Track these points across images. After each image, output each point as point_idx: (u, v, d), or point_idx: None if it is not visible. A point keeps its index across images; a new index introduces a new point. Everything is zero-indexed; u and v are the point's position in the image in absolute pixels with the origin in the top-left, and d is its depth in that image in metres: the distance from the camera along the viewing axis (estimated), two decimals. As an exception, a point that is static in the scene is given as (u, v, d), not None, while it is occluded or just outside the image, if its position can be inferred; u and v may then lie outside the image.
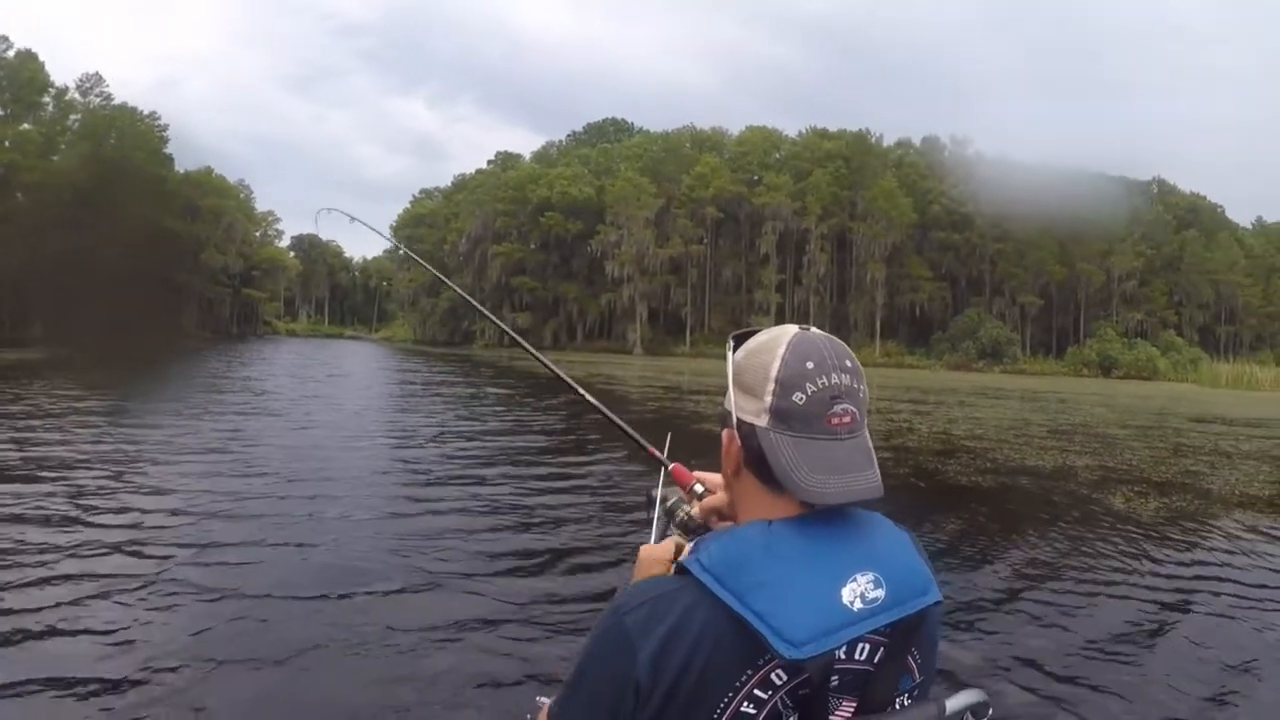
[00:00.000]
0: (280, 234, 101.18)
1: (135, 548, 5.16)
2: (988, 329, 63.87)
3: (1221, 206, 78.59)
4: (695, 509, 1.32)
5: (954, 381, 40.66)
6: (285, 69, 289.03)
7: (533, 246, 76.46)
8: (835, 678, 0.93)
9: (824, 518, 0.96)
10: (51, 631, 3.75)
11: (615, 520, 6.61)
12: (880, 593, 0.92)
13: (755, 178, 73.08)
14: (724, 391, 1.05)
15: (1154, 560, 6.08)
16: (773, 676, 0.91)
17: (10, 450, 8.56)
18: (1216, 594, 5.30)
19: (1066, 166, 65.90)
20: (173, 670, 3.41)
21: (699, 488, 1.35)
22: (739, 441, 1.01)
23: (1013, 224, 64.55)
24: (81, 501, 6.34)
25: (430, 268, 2.63)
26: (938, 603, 0.99)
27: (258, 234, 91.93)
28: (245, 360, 34.48)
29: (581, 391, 1.70)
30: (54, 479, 7.20)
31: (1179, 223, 72.44)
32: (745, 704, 0.91)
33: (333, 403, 17.11)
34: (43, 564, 4.72)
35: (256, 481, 7.58)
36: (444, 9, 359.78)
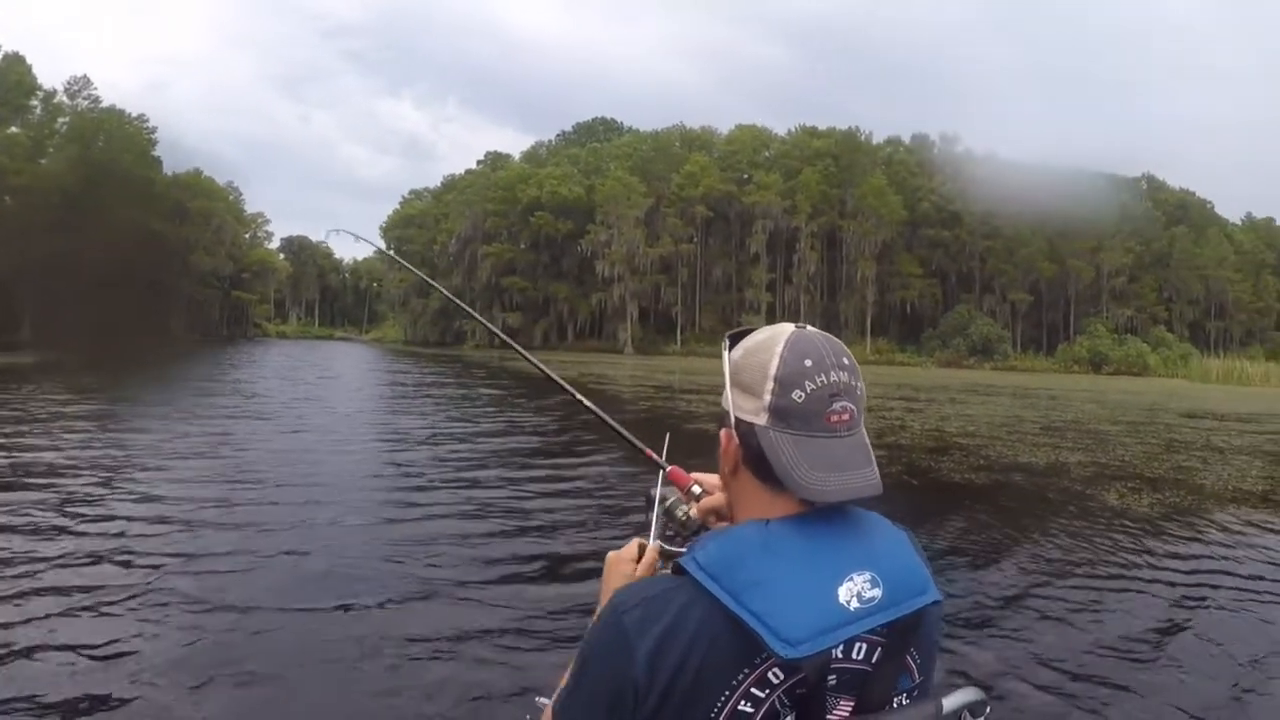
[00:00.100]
0: (270, 235, 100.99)
1: (124, 557, 5.10)
2: (978, 326, 64.16)
3: (1210, 202, 79.24)
4: (693, 510, 1.32)
5: (945, 379, 40.77)
6: (274, 70, 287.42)
7: (523, 246, 76.25)
8: (833, 677, 0.92)
9: (822, 516, 0.96)
10: (37, 646, 3.68)
11: (611, 523, 6.58)
12: (877, 592, 0.92)
13: (745, 176, 73.05)
14: (717, 391, 1.05)
15: (1153, 556, 6.10)
16: (769, 675, 0.90)
17: (-4, 457, 8.45)
18: (1217, 589, 5.34)
19: (1056, 164, 66.35)
20: (161, 685, 3.35)
21: (696, 489, 1.35)
22: (737, 440, 1.01)
23: (1002, 220, 64.88)
24: (69, 509, 6.27)
25: (420, 273, 2.58)
26: (936, 602, 0.98)
27: (247, 236, 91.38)
28: (235, 363, 34.26)
29: (578, 396, 1.67)
30: (41, 486, 7.12)
31: (1168, 219, 72.77)
32: (742, 703, 0.90)
33: (324, 405, 17.02)
34: (29, 575, 4.65)
35: (247, 487, 7.52)
36: (431, 10, 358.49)
